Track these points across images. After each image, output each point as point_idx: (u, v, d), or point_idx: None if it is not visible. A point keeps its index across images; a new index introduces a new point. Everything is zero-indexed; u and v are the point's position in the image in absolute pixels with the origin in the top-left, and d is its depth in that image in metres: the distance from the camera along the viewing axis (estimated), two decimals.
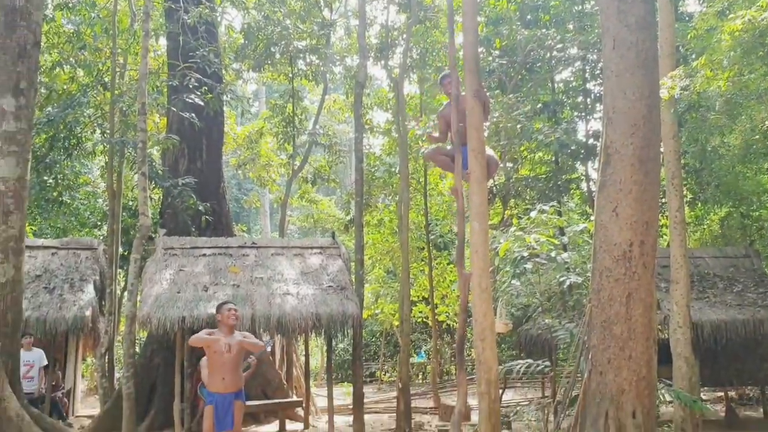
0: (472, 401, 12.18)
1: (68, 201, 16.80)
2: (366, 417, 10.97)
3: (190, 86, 13.33)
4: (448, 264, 20.89)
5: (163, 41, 17.57)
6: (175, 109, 13.92)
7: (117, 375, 15.25)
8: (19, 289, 10.58)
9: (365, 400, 11.34)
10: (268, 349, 16.47)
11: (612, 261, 6.90)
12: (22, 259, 10.67)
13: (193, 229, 13.83)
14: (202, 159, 15.03)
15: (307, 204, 23.52)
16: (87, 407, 16.69)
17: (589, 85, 16.78)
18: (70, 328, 12.17)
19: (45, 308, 12.13)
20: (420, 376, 24.35)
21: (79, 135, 15.03)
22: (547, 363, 9.14)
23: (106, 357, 13.75)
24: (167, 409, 11.39)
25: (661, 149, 8.36)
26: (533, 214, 8.72)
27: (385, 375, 24.68)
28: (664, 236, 15.24)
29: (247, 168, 20.88)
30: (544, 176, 15.80)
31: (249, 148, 20.39)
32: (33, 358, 11.66)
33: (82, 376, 18.76)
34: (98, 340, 13.97)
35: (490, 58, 15.45)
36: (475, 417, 11.76)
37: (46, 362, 11.94)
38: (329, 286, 11.46)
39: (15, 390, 10.02)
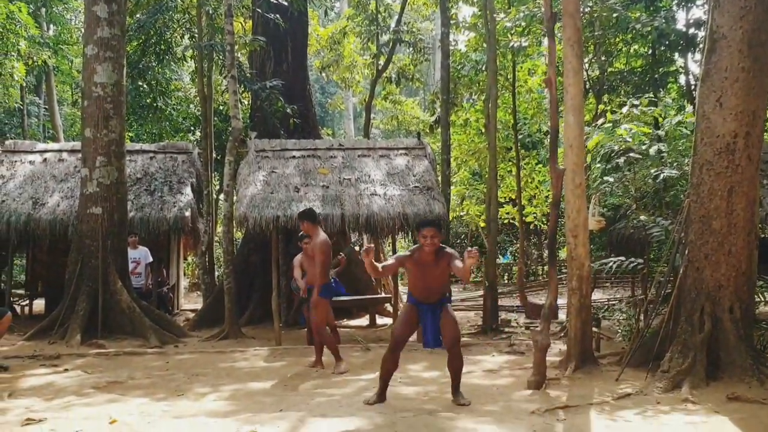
0: (560, 300, 12.22)
1: (162, 107, 17.31)
2: None
3: None
4: (536, 164, 20.50)
5: None
6: (260, 11, 13.87)
7: (216, 273, 16.09)
8: (123, 190, 11.18)
9: (451, 299, 11.56)
10: (357, 248, 16.90)
11: (714, 154, 6.62)
12: (124, 162, 11.22)
13: (282, 132, 14.05)
14: (288, 61, 15.04)
15: (390, 106, 23.35)
16: (190, 302, 17.77)
17: None
18: (172, 227, 12.83)
19: (147, 209, 12.79)
20: (505, 277, 24.53)
21: (169, 40, 15.30)
22: (640, 261, 8.99)
23: (206, 255, 14.47)
24: (264, 303, 11.98)
25: None
26: (624, 109, 8.33)
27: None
28: None
29: (330, 70, 20.80)
30: (639, 69, 14.99)
31: (332, 50, 20.22)
32: (139, 255, 12.40)
33: (184, 274, 19.89)
34: (198, 239, 14.68)
35: None
36: (562, 315, 11.82)
37: (151, 259, 12.69)
38: (415, 187, 11.50)
39: (125, 284, 10.79)
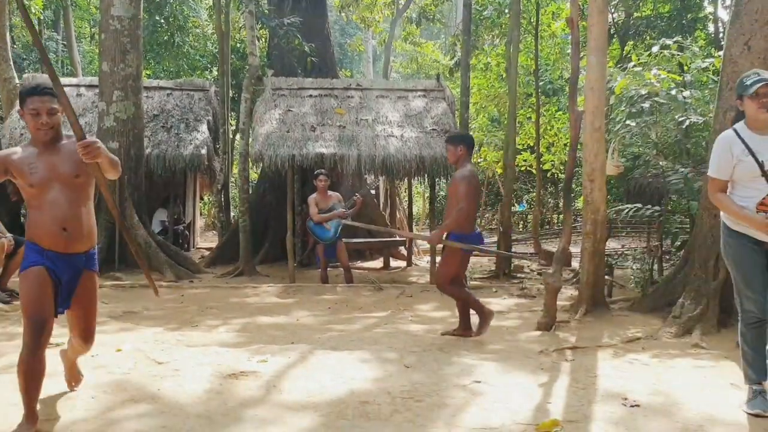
0: (574, 248, 12.17)
1: (179, 43, 17.15)
2: None
3: None
4: (556, 111, 20.19)
5: None
6: None
7: (232, 213, 16.17)
8: (140, 126, 11.18)
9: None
10: (372, 191, 16.89)
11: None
12: (141, 98, 11.17)
13: (299, 71, 13.90)
14: None
15: (410, 48, 22.96)
16: (205, 240, 17.96)
17: None
18: (188, 165, 12.85)
19: (164, 146, 12.80)
20: (520, 225, 24.48)
21: None
22: (657, 208, 8.90)
23: (222, 194, 14.53)
24: (279, 243, 12.08)
25: None
26: (655, 49, 8.10)
27: (484, 224, 24.95)
28: None
29: (350, 9, 20.42)
30: (667, 15, 14.57)
31: None
32: None
33: (200, 213, 20.05)
34: (214, 178, 14.72)
35: None
36: (575, 263, 11.81)
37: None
38: (433, 129, 11.38)
39: (142, 220, 10.89)
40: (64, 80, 14.75)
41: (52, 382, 4.31)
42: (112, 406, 3.90)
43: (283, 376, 4.57)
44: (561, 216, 22.45)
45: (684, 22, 14.16)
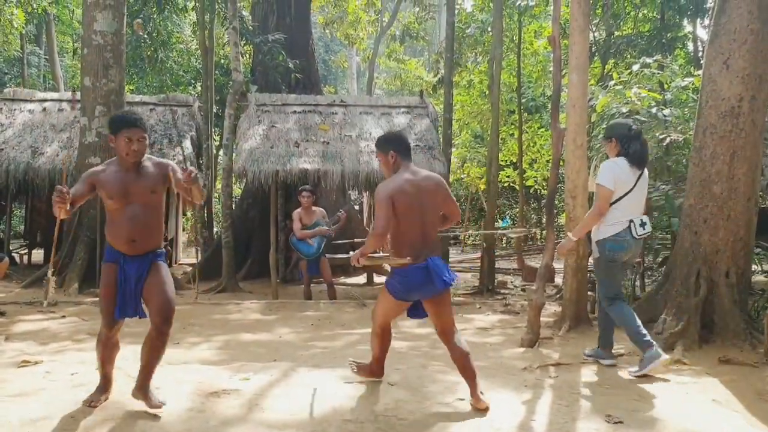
0: (557, 264, 12.21)
1: (163, 59, 17.11)
2: None
3: None
4: (539, 128, 20.36)
5: None
6: None
7: (215, 229, 16.08)
8: None
9: (449, 260, 11.61)
10: (357, 207, 16.89)
11: (718, 117, 6.55)
12: None
13: (283, 87, 13.92)
14: (291, 15, 14.81)
15: (394, 65, 23.08)
16: (188, 256, 17.82)
17: None
18: None
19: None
20: (503, 241, 24.57)
21: None
22: None
23: (205, 210, 14.45)
24: (263, 259, 12.00)
25: None
26: (635, 67, 8.22)
27: (468, 239, 25.01)
28: None
29: (334, 26, 20.52)
30: (647, 34, 14.78)
31: (336, 5, 19.93)
32: None
33: (183, 229, 19.90)
34: None
35: None
36: (559, 279, 11.84)
37: None
38: (416, 146, 11.42)
39: None
40: (45, 95, 14.67)
41: (28, 401, 4.25)
42: (92, 425, 3.84)
43: (266, 394, 4.53)
44: (544, 232, 22.57)
45: (664, 41, 14.34)
